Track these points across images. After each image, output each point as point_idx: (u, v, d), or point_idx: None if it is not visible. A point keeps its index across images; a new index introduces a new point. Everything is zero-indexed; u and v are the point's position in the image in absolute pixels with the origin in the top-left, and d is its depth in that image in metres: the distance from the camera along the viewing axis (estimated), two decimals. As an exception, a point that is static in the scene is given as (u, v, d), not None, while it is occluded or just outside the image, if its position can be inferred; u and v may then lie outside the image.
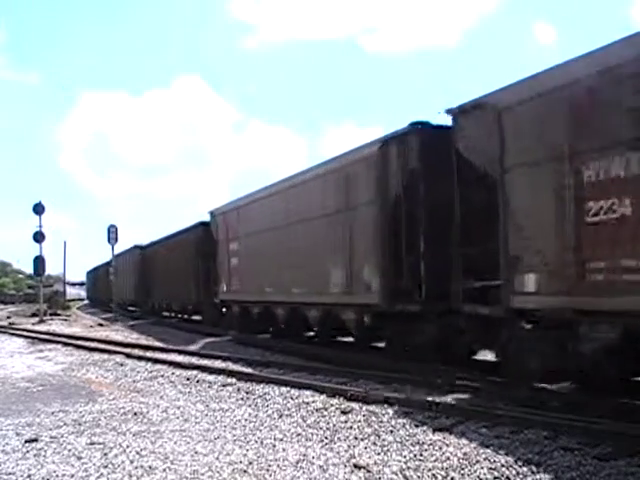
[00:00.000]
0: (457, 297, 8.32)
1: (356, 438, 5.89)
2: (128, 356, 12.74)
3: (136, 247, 32.51)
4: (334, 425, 6.40)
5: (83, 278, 64.13)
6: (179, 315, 25.84)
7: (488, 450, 5.23)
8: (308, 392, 7.96)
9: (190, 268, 21.89)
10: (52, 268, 63.58)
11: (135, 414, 7.22)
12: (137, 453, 5.50)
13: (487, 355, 9.27)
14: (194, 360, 11.75)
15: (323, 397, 7.62)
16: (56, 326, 24.82)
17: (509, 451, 5.17)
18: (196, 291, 21.39)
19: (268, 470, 4.96)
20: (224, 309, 18.65)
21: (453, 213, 8.46)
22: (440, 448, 5.37)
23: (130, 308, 35.70)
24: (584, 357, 6.55)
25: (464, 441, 5.53)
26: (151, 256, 29.89)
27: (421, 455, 5.23)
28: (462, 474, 4.73)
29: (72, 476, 4.91)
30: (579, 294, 6.51)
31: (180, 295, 23.69)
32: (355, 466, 4.97)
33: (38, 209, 28.28)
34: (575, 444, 5.22)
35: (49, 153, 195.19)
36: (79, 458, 5.39)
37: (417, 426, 6.13)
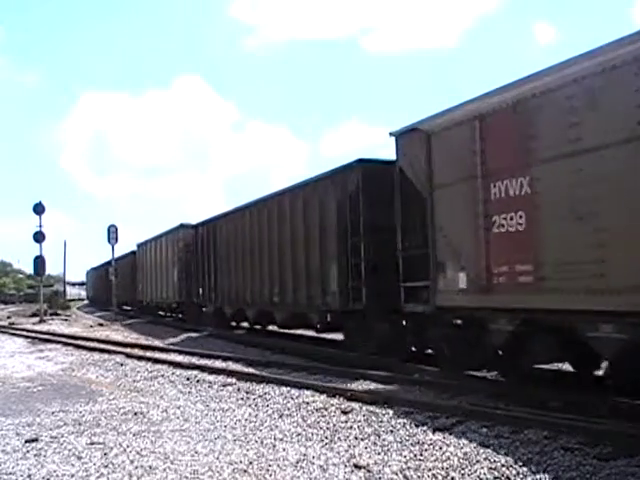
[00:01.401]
0: None
1: (356, 438, 5.89)
2: (128, 356, 12.74)
3: (183, 226, 22.42)
4: (334, 425, 6.40)
5: (83, 278, 63.93)
6: (277, 328, 15.64)
7: (488, 450, 5.23)
8: (308, 392, 7.96)
9: (328, 248, 11.69)
10: (52, 268, 63.97)
11: (135, 414, 7.22)
12: (137, 453, 5.51)
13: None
14: (194, 360, 11.74)
15: (323, 397, 7.61)
16: (56, 326, 24.81)
17: (509, 451, 5.18)
18: (348, 290, 11.06)
19: (268, 470, 4.96)
20: (405, 322, 9.82)
21: None
22: (440, 448, 5.37)
23: (160, 313, 26.90)
24: None
25: (464, 441, 5.53)
26: (215, 236, 18.69)
27: (421, 455, 5.23)
28: (462, 474, 4.73)
29: (72, 476, 4.92)
30: None
31: (292, 296, 13.25)
32: (355, 466, 4.98)
33: (38, 209, 28.28)
34: (575, 444, 5.21)
35: (49, 153, 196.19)
36: (79, 458, 5.40)
37: (417, 426, 6.12)
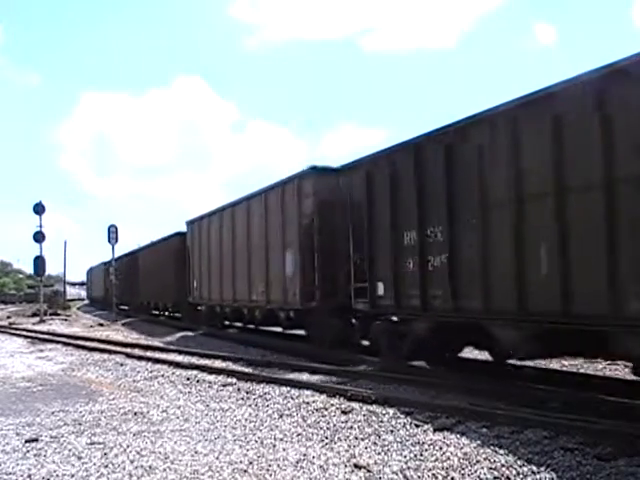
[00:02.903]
0: None
1: (356, 438, 5.88)
2: (128, 356, 12.74)
3: (317, 169, 12.51)
4: (334, 425, 6.39)
5: (83, 278, 63.73)
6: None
7: (488, 450, 5.23)
8: (308, 392, 7.95)
9: None
10: (52, 268, 64.00)
11: (135, 414, 7.22)
12: (137, 453, 5.50)
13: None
14: (194, 360, 11.74)
15: (323, 397, 7.60)
16: (56, 326, 24.80)
17: (509, 451, 5.17)
18: None
19: (268, 470, 4.96)
20: None
21: None
22: (440, 448, 5.36)
23: (227, 322, 17.95)
24: None
25: (464, 441, 5.53)
26: (452, 171, 8.32)
27: (421, 455, 5.23)
28: (462, 474, 4.72)
29: (72, 476, 4.92)
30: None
31: None
32: (355, 466, 4.97)
33: (38, 209, 28.30)
34: (575, 444, 5.21)
35: (50, 153, 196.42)
36: (79, 458, 5.39)
37: (417, 426, 6.12)
